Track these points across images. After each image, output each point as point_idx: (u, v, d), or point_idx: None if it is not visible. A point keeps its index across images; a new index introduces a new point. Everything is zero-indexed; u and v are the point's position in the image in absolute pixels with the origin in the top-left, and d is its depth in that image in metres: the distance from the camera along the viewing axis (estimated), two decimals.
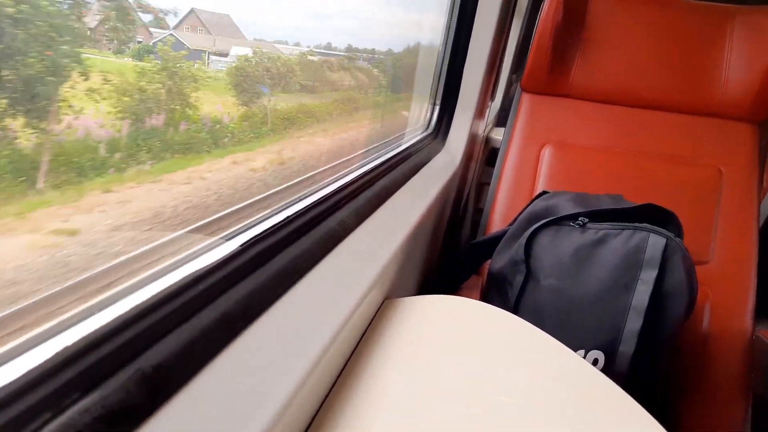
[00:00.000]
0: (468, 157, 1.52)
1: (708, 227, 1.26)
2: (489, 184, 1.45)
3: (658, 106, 1.39)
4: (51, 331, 0.32)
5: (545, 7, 1.35)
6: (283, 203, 0.66)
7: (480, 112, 1.53)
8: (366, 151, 1.18)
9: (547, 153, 1.37)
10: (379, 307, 0.67)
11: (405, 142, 1.29)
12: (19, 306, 0.45)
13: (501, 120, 2.20)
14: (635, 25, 1.40)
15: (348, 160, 1.10)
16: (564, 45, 1.39)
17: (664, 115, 1.38)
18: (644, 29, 1.39)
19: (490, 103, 1.78)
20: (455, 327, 0.65)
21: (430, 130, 1.47)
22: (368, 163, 0.98)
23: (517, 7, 1.78)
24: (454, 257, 1.27)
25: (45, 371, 0.29)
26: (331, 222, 0.67)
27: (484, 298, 1.10)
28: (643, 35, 1.39)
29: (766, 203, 1.77)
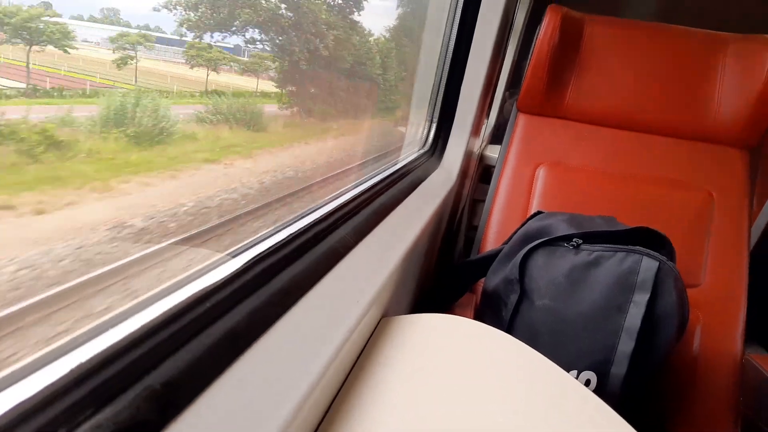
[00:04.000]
0: (464, 174, 1.53)
1: (699, 250, 1.28)
2: (483, 201, 1.46)
3: (651, 129, 1.41)
4: (64, 348, 0.32)
5: (542, 29, 1.37)
6: (285, 221, 0.67)
7: (476, 130, 1.55)
8: None
9: (541, 173, 1.39)
10: (377, 326, 0.68)
11: (402, 159, 1.31)
12: None
13: (495, 137, 2.22)
14: (630, 50, 1.42)
15: None
16: (560, 67, 1.41)
17: (658, 139, 1.40)
18: (639, 54, 1.42)
19: (485, 120, 1.80)
20: (450, 346, 0.66)
21: (426, 148, 1.48)
22: (367, 180, 0.99)
23: (513, 27, 1.81)
24: (449, 274, 1.28)
25: (60, 388, 0.29)
26: (331, 240, 0.68)
27: (478, 316, 1.10)
28: (638, 60, 1.41)
29: (757, 228, 1.80)
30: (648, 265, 0.89)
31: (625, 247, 0.92)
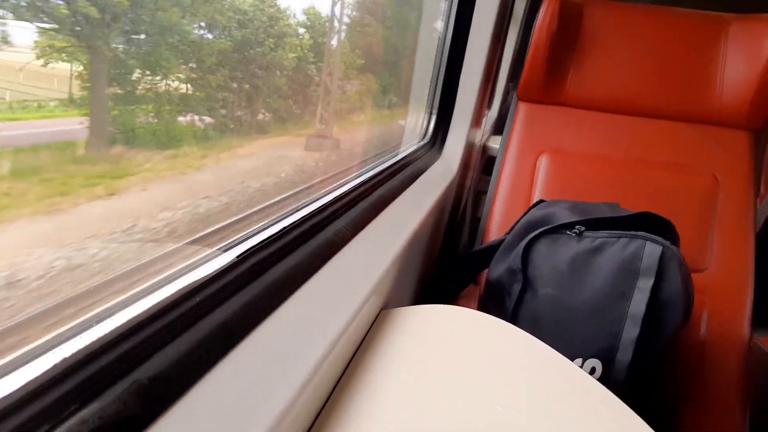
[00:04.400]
0: (465, 165, 1.52)
1: (704, 235, 1.27)
2: (486, 192, 1.46)
3: (653, 114, 1.39)
4: (50, 343, 0.32)
5: (541, 17, 1.36)
6: (280, 213, 0.67)
7: (477, 121, 1.54)
8: None
9: (543, 161, 1.38)
10: (376, 318, 0.67)
11: (402, 151, 1.30)
12: None
13: (498, 128, 2.21)
14: (630, 34, 1.41)
15: None
16: (559, 54, 1.40)
17: (660, 123, 1.39)
18: (639, 38, 1.40)
19: (486, 111, 1.79)
20: (452, 337, 0.66)
21: (427, 140, 1.48)
22: (366, 172, 0.99)
23: (513, 17, 1.79)
24: (452, 266, 1.28)
25: (44, 383, 0.29)
26: (328, 232, 0.68)
27: (482, 307, 1.10)
28: (638, 43, 1.40)
29: (763, 211, 1.78)
30: (651, 250, 0.88)
31: (628, 232, 0.91)
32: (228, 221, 0.77)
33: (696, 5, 1.43)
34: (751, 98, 1.31)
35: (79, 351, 0.32)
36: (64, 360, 0.31)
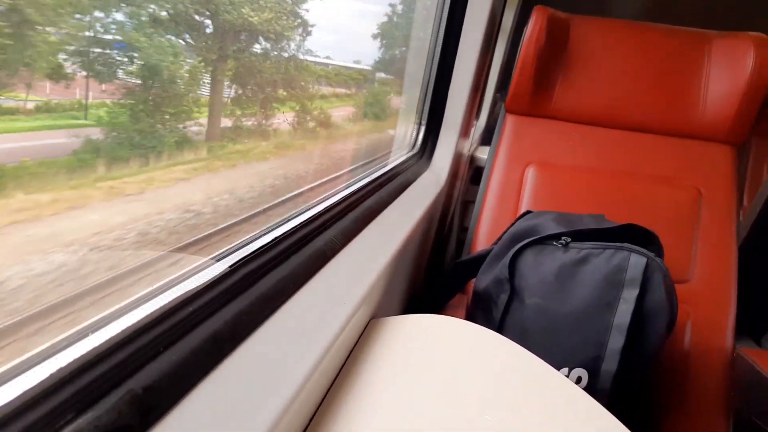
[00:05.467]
0: (453, 176, 1.53)
1: (688, 247, 1.29)
2: (474, 202, 1.47)
3: (639, 128, 1.42)
4: (45, 353, 0.32)
5: (528, 30, 1.38)
6: (271, 224, 0.67)
7: (465, 132, 1.55)
8: None
9: (530, 173, 1.39)
10: (365, 327, 0.68)
11: (391, 161, 1.31)
12: None
13: (486, 139, 2.23)
14: (616, 49, 1.43)
15: None
16: (547, 67, 1.42)
17: (645, 137, 1.41)
18: (624, 53, 1.43)
19: (475, 122, 1.80)
20: (440, 346, 0.66)
21: (415, 150, 1.49)
22: (355, 183, 0.99)
23: (501, 28, 1.82)
24: (440, 276, 1.29)
25: (40, 393, 0.29)
26: (318, 242, 0.68)
27: (469, 316, 1.10)
28: (624, 58, 1.42)
29: (745, 223, 1.81)
30: (636, 262, 0.90)
31: (613, 244, 0.92)
32: None
33: (679, 23, 1.46)
34: (733, 114, 1.34)
35: (75, 360, 0.32)
36: (60, 369, 0.31)
